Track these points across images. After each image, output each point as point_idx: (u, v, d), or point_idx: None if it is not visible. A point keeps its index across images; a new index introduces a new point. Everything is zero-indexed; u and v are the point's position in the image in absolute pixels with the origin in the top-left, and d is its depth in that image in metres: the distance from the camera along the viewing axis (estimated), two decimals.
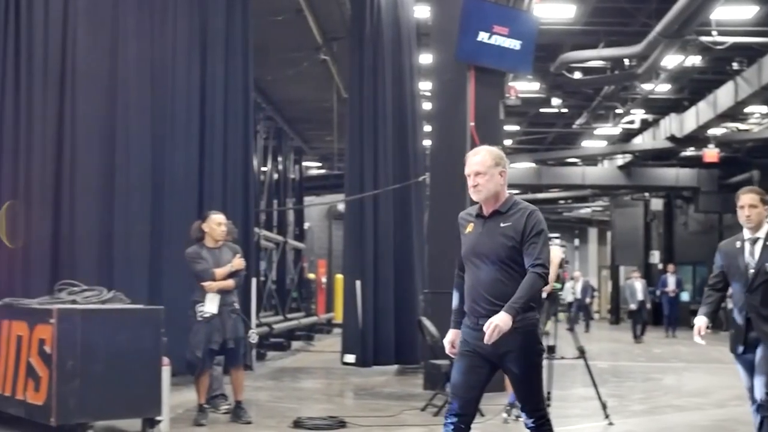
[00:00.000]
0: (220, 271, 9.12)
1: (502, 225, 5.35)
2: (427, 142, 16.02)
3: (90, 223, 11.17)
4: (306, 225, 31.17)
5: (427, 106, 16.80)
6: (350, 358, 13.99)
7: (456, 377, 5.44)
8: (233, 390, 9.45)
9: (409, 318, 13.95)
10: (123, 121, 11.62)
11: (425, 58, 15.82)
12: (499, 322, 5.09)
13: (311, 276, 31.11)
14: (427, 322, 10.74)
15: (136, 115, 11.74)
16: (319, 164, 34.96)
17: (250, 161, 13.66)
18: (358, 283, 13.95)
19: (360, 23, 14.55)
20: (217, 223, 9.27)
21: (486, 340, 5.08)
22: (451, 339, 5.58)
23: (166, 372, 8.22)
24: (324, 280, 31.41)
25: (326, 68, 19.24)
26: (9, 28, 10.85)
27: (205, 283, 9.05)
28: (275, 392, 12.15)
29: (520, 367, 5.33)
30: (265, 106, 22.00)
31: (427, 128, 15.63)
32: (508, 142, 26.96)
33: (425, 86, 16.84)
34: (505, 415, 9.54)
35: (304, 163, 30.55)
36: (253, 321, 13.63)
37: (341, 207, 28.18)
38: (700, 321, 6.75)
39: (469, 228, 5.49)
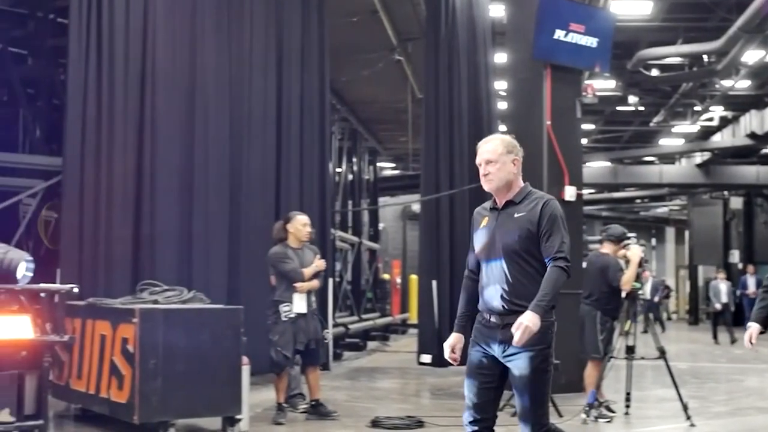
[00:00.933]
0: (307, 271, 9.22)
1: (516, 216, 5.09)
2: None
3: (170, 224, 11.30)
4: (381, 225, 31.24)
5: (502, 105, 16.72)
6: (426, 358, 13.98)
7: (467, 381, 5.17)
8: (310, 389, 9.52)
9: None
10: (202, 122, 11.75)
11: (500, 57, 15.74)
12: (528, 322, 4.81)
13: (386, 276, 31.16)
14: None
15: (214, 116, 11.86)
16: (394, 165, 35.00)
17: (325, 162, 13.74)
18: (434, 283, 13.94)
19: (435, 23, 14.54)
20: (302, 224, 9.37)
21: (516, 342, 4.81)
22: (452, 343, 5.27)
23: (245, 371, 8.30)
24: (398, 280, 31.44)
25: (401, 69, 19.26)
26: (91, 32, 11.02)
27: (297, 284, 9.15)
28: (352, 392, 12.19)
29: (522, 370, 4.97)
30: (339, 107, 22.09)
31: (503, 128, 15.55)
32: (583, 141, 26.70)
33: (500, 85, 16.75)
34: (584, 416, 9.44)
35: (379, 164, 30.60)
36: (329, 321, 13.70)
37: (416, 207, 28.25)
38: (753, 327, 6.63)
39: (484, 222, 5.22)
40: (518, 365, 4.96)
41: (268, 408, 9.66)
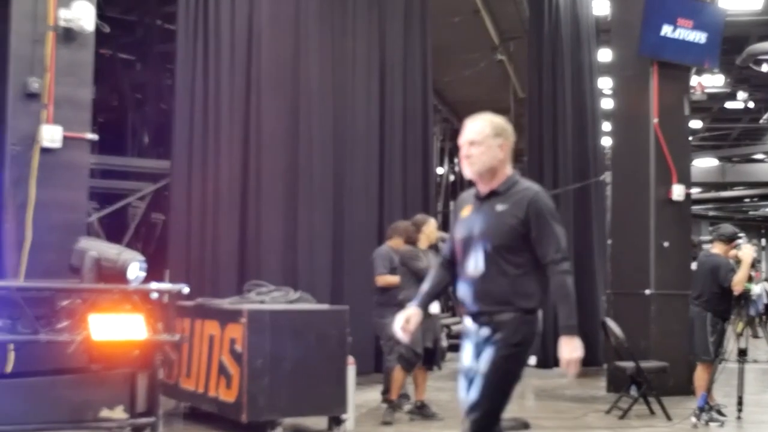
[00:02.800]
0: None
1: (498, 209, 4.60)
2: (607, 141, 15.75)
3: (275, 226, 11.43)
4: None
5: (607, 103, 16.50)
6: (531, 359, 13.84)
7: (461, 382, 4.74)
8: (416, 390, 9.51)
9: (590, 319, 13.69)
10: (306, 125, 11.85)
11: (605, 55, 15.52)
12: (569, 354, 4.49)
13: None
14: (611, 324, 10.52)
15: (318, 119, 11.96)
16: None
17: (429, 163, 13.75)
18: None
19: (538, 22, 14.43)
20: (434, 227, 9.42)
21: (569, 376, 4.61)
22: (407, 314, 4.79)
23: (351, 371, 8.33)
24: None
25: (503, 68, 19.17)
26: (198, 38, 11.20)
27: None
28: (455, 393, 12.09)
29: (485, 360, 4.53)
30: (441, 107, 22.07)
31: (607, 126, 15.35)
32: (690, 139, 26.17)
33: (605, 83, 16.53)
34: (694, 419, 9.23)
35: None
36: None
37: None
38: None
39: (465, 211, 4.76)
40: (484, 356, 4.55)
41: (373, 408, 9.69)
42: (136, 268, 7.36)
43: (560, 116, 14.21)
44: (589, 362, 13.85)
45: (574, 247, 14.05)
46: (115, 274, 7.47)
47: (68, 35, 8.73)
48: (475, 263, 4.60)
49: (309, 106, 11.92)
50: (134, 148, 15.29)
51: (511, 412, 9.98)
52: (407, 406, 9.73)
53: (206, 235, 11.01)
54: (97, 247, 7.75)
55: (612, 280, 12.45)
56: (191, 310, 8.71)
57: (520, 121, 18.11)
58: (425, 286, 4.95)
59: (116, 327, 7.22)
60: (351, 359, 8.34)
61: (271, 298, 8.52)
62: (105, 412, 7.28)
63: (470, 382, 4.63)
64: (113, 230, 13.33)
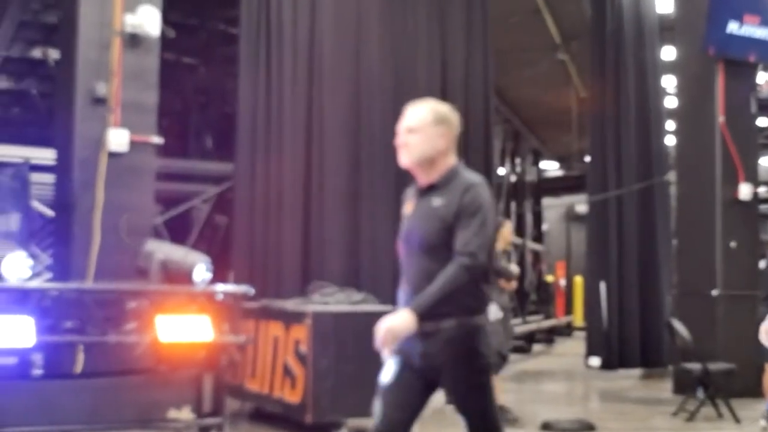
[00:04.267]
0: (516, 270, 9.41)
1: (434, 204, 4.20)
2: (671, 140, 15.57)
3: (337, 227, 11.45)
4: (544, 227, 30.94)
5: (671, 102, 16.31)
6: (595, 360, 13.77)
7: (386, 387, 4.38)
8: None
9: (654, 320, 13.63)
10: (367, 127, 11.86)
11: (668, 53, 15.35)
12: (392, 323, 4.02)
13: (549, 278, 30.81)
14: (677, 325, 10.40)
15: (380, 120, 11.95)
16: (557, 165, 34.62)
17: (490, 164, 13.69)
18: (602, 284, 13.71)
19: (600, 21, 14.32)
20: (509, 230, 9.42)
21: (377, 344, 4.11)
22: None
23: None
24: (563, 282, 31.04)
25: (564, 68, 19.04)
26: (261, 41, 11.27)
27: (511, 282, 9.31)
28: (519, 395, 12.08)
29: (458, 388, 4.26)
30: (501, 108, 21.99)
31: (671, 125, 15.17)
32: None
33: (669, 82, 16.34)
34: (763, 422, 9.08)
35: (542, 165, 30.33)
36: None
37: (580, 208, 27.83)
38: None
39: (408, 207, 4.40)
40: (452, 382, 4.25)
41: (437, 409, 9.66)
42: (202, 270, 7.43)
43: (623, 116, 14.08)
44: (654, 363, 13.80)
45: (638, 247, 13.94)
46: (181, 276, 7.56)
47: (134, 40, 8.86)
48: (415, 265, 4.22)
49: (371, 108, 11.93)
50: (197, 151, 15.44)
51: (575, 413, 9.97)
52: None
53: (269, 237, 11.07)
54: (164, 250, 7.86)
55: (678, 281, 12.32)
56: (256, 312, 8.77)
57: (582, 121, 18.02)
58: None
59: (183, 328, 7.30)
60: None
61: (335, 300, 8.55)
62: (172, 413, 7.36)
63: (405, 381, 4.31)
64: (177, 232, 13.47)
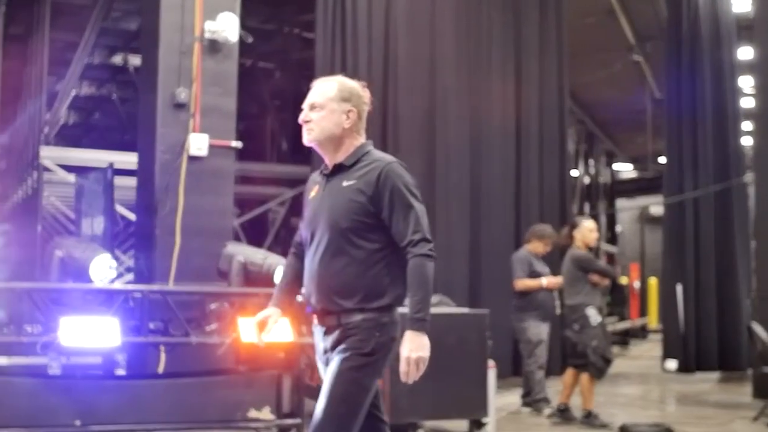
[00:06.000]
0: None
1: (344, 184, 3.91)
2: (748, 141, 15.38)
3: None
4: (618, 228, 30.68)
5: (748, 103, 16.09)
6: (671, 364, 13.66)
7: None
8: (584, 397, 9.32)
9: (732, 323, 13.46)
10: (442, 130, 11.91)
11: (746, 53, 15.14)
12: (413, 352, 3.78)
13: (624, 280, 30.51)
14: (757, 328, 10.28)
15: (455, 124, 12.00)
16: (631, 166, 34.29)
17: (565, 166, 13.66)
18: (678, 287, 13.59)
19: (676, 21, 14.19)
20: (589, 230, 9.35)
21: (408, 380, 3.86)
22: (260, 318, 4.12)
23: (491, 374, 8.36)
24: (637, 284, 30.72)
25: (638, 69, 18.88)
26: (336, 46, 11.39)
27: (605, 281, 9.24)
28: (595, 398, 12.00)
29: (330, 373, 3.84)
30: (575, 109, 21.87)
31: (749, 126, 14.98)
32: None
33: (746, 82, 16.12)
34: None
35: (616, 166, 30.08)
36: None
37: (654, 210, 27.56)
38: None
39: (313, 192, 4.08)
40: (330, 368, 3.87)
41: (513, 412, 9.69)
42: (281, 272, 7.55)
43: (699, 117, 13.93)
44: (732, 367, 13.62)
45: (716, 249, 13.78)
46: (261, 277, 7.69)
47: (213, 46, 9.02)
48: (317, 251, 3.90)
49: (445, 111, 11.98)
50: (273, 155, 15.62)
51: (652, 417, 9.90)
52: (548, 410, 9.68)
53: None
54: (244, 252, 8.00)
55: (757, 284, 12.16)
56: None
57: (656, 122, 17.85)
58: (280, 282, 4.24)
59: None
60: (492, 363, 8.36)
61: None
62: (253, 413, 7.49)
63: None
64: (254, 235, 13.65)
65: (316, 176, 4.14)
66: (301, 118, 4.02)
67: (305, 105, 4.02)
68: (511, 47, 12.83)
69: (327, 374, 3.85)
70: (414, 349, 3.80)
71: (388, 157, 4.00)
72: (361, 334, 3.81)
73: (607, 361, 9.05)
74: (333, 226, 3.86)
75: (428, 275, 3.81)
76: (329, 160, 4.02)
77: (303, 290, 4.05)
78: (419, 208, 3.88)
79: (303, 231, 4.06)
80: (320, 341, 3.99)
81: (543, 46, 13.14)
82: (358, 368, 3.80)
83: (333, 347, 3.88)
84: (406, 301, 3.92)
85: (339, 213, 3.86)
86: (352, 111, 4.00)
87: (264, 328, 4.10)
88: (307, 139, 4.01)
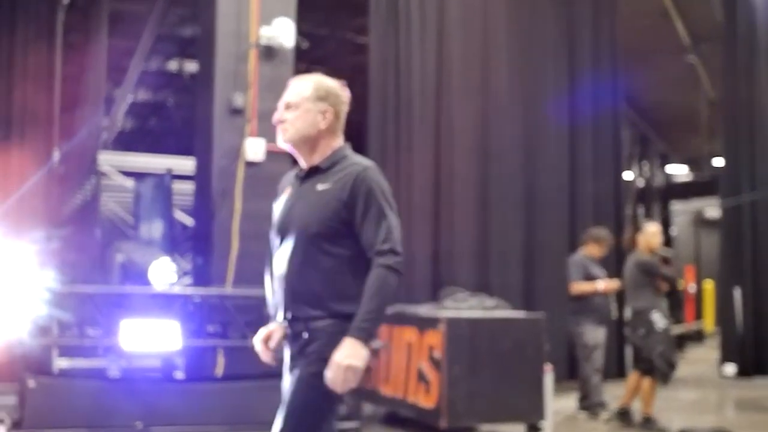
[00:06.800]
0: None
1: (319, 188, 3.71)
2: None
3: (467, 235, 11.51)
4: (672, 231, 30.38)
5: None
6: (730, 368, 13.51)
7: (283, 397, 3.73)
8: (644, 402, 9.25)
9: None
10: (496, 133, 11.89)
11: None
12: (346, 359, 3.47)
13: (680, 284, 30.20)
14: None
15: (508, 127, 11.98)
16: (686, 169, 33.94)
17: (619, 168, 13.56)
18: (736, 290, 13.44)
19: (732, 23, 14.04)
20: (653, 234, 9.31)
21: (339, 389, 3.53)
22: (263, 335, 3.85)
23: (548, 378, 8.33)
24: (692, 287, 30.41)
25: (693, 71, 18.69)
26: (389, 49, 11.43)
27: (664, 285, 9.17)
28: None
29: (292, 380, 3.64)
30: (628, 111, 21.69)
31: None
32: None
33: None
34: None
35: (670, 168, 29.78)
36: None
37: (709, 212, 27.25)
38: None
39: (285, 194, 3.88)
40: (293, 374, 3.65)
41: (570, 415, 9.64)
42: None
43: (757, 119, 13.76)
44: None
45: None
46: None
47: (269, 52, 9.10)
48: (289, 256, 3.68)
49: (499, 114, 11.96)
50: None
51: (711, 422, 9.79)
52: (605, 415, 9.62)
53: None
54: None
55: None
56: (390, 317, 8.85)
57: (712, 124, 17.67)
58: (271, 297, 3.91)
59: None
60: (548, 366, 8.33)
61: (468, 306, 8.61)
62: None
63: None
64: None
65: (290, 177, 3.93)
66: (275, 118, 3.83)
67: (280, 104, 3.83)
68: (565, 49, 12.77)
69: (290, 381, 3.64)
70: (348, 356, 3.49)
71: (366, 162, 3.77)
72: (326, 338, 3.57)
73: (672, 366, 8.98)
74: (303, 230, 3.67)
75: (387, 288, 3.58)
76: (304, 162, 3.82)
77: (273, 298, 3.82)
78: (393, 218, 3.68)
79: (272, 234, 3.83)
80: (287, 350, 3.76)
81: (597, 49, 13.07)
82: (321, 375, 3.53)
83: (299, 352, 3.65)
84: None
85: (311, 218, 3.67)
86: (329, 111, 3.77)
87: (269, 344, 3.83)
88: (282, 139, 3.81)
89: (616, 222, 12.75)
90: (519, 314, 8.89)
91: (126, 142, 14.58)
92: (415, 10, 11.62)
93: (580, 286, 9.62)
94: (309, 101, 3.75)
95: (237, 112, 8.86)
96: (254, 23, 9.05)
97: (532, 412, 8.22)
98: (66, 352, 7.17)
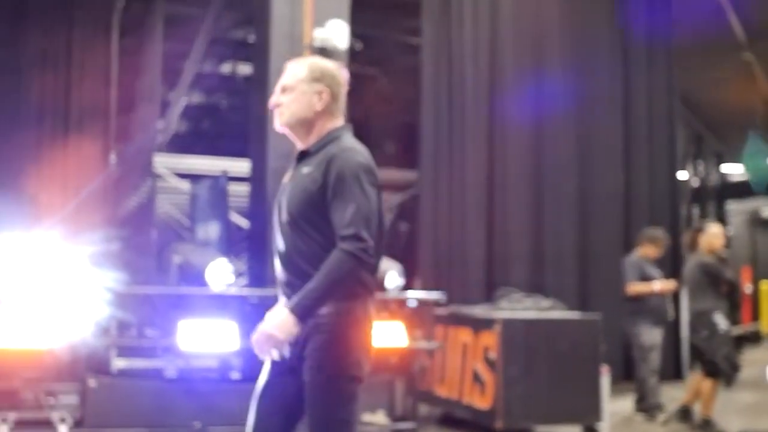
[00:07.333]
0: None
1: (304, 171, 3.64)
2: None
3: (521, 235, 11.47)
4: (728, 231, 30.02)
5: None
6: None
7: (258, 391, 3.74)
8: (704, 403, 9.17)
9: None
10: (550, 135, 11.83)
11: None
12: (270, 328, 3.41)
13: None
14: None
15: (562, 127, 11.90)
16: (741, 168, 33.52)
17: (675, 168, 13.43)
18: None
19: None
20: (715, 235, 9.24)
21: (257, 352, 3.51)
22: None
23: (605, 380, 8.27)
24: (748, 287, 30.02)
25: (748, 68, 18.46)
26: (442, 51, 11.43)
27: (727, 289, 9.13)
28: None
29: (310, 385, 3.53)
30: (683, 110, 21.48)
31: None
32: None
33: None
34: None
35: (725, 168, 29.44)
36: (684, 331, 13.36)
37: (766, 212, 26.92)
38: None
39: (287, 177, 3.84)
40: (307, 385, 3.55)
41: (627, 417, 9.56)
42: (394, 277, 7.60)
43: None
44: None
45: None
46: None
47: (323, 54, 9.09)
48: (284, 235, 3.64)
49: (553, 115, 11.89)
50: (378, 160, 15.66)
51: None
52: (662, 417, 9.53)
53: (454, 244, 11.20)
54: None
55: None
56: (444, 318, 8.88)
57: None
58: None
59: (377, 334, 7.46)
60: (605, 367, 8.27)
61: (523, 306, 8.58)
62: (368, 417, 7.55)
63: (278, 378, 3.68)
64: None
65: (292, 162, 3.88)
66: (272, 101, 3.79)
67: (277, 88, 3.79)
68: (619, 49, 12.66)
69: (307, 389, 3.54)
70: (275, 326, 3.41)
71: (349, 144, 3.67)
72: (337, 334, 3.51)
73: (736, 368, 8.89)
74: (289, 216, 3.62)
75: (340, 272, 3.42)
76: (300, 146, 3.78)
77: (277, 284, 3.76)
78: (362, 201, 3.49)
79: (273, 220, 3.79)
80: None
81: (651, 47, 12.94)
82: (345, 382, 3.52)
83: (302, 340, 3.52)
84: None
85: (294, 203, 3.61)
86: (325, 91, 3.72)
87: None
88: (278, 123, 3.77)
89: (671, 222, 12.61)
90: (575, 315, 8.84)
91: (181, 144, 14.67)
92: (468, 11, 11.60)
93: (636, 287, 9.54)
94: (304, 83, 3.71)
95: None
96: (308, 25, 9.07)
97: (588, 414, 8.18)
98: (124, 352, 7.24)
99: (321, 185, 3.54)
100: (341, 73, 3.82)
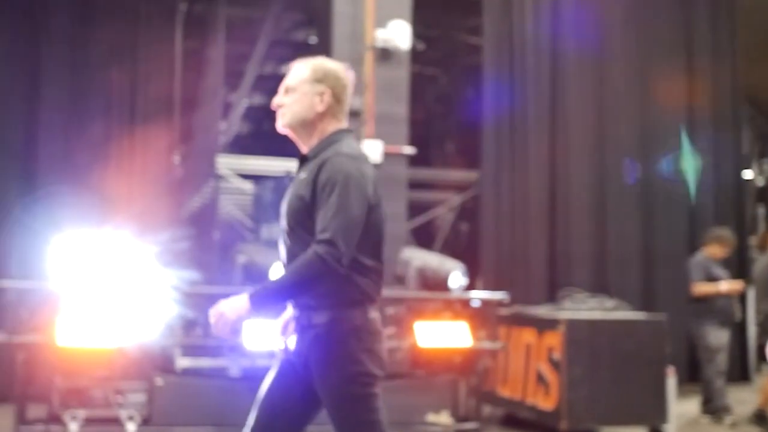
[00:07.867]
0: None
1: (301, 177, 3.58)
2: None
3: (583, 235, 11.40)
4: None
5: None
6: None
7: (263, 390, 3.70)
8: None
9: None
10: (612, 133, 11.74)
11: None
12: (225, 307, 3.38)
13: None
14: None
15: (624, 126, 11.80)
16: None
17: (740, 168, 13.24)
18: None
19: None
20: None
21: (212, 329, 3.46)
22: (282, 323, 3.74)
23: (671, 381, 8.19)
24: None
25: None
26: (503, 51, 11.42)
27: None
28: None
29: (324, 396, 3.52)
30: (748, 108, 21.16)
31: None
32: None
33: None
34: None
35: None
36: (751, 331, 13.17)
37: None
38: None
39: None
40: (320, 388, 3.53)
41: (692, 419, 9.45)
42: (458, 277, 7.60)
43: None
44: None
45: None
46: (437, 282, 7.77)
47: (385, 54, 9.15)
48: (284, 240, 3.61)
49: (615, 113, 11.80)
50: (439, 160, 15.67)
51: None
52: (729, 419, 9.39)
53: (516, 244, 11.17)
54: (421, 257, 8.10)
55: None
56: (507, 318, 8.85)
57: None
58: None
59: (440, 334, 7.48)
60: (670, 369, 8.19)
61: (587, 307, 8.52)
62: (431, 417, 7.56)
63: (284, 376, 3.66)
64: (421, 240, 13.71)
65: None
66: (274, 102, 3.71)
67: (280, 89, 3.72)
68: (682, 47, 12.51)
69: (321, 391, 3.52)
70: (230, 307, 3.37)
71: (345, 149, 3.57)
72: (338, 343, 3.49)
73: None
74: (286, 222, 3.59)
75: (306, 273, 3.37)
76: (302, 149, 3.69)
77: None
78: (344, 209, 3.41)
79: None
80: (294, 339, 3.62)
81: (715, 46, 12.77)
82: (359, 386, 3.53)
83: (306, 351, 3.54)
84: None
85: (290, 210, 3.56)
86: (326, 93, 3.65)
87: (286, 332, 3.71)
88: (280, 124, 3.68)
89: (736, 222, 12.43)
90: (640, 316, 8.75)
91: (243, 145, 14.79)
92: (529, 11, 11.55)
93: (702, 288, 9.42)
94: (306, 83, 3.64)
95: (354, 114, 8.90)
96: (370, 26, 9.13)
97: (654, 416, 8.10)
98: (188, 351, 7.32)
99: (312, 190, 3.48)
100: (347, 75, 3.77)
